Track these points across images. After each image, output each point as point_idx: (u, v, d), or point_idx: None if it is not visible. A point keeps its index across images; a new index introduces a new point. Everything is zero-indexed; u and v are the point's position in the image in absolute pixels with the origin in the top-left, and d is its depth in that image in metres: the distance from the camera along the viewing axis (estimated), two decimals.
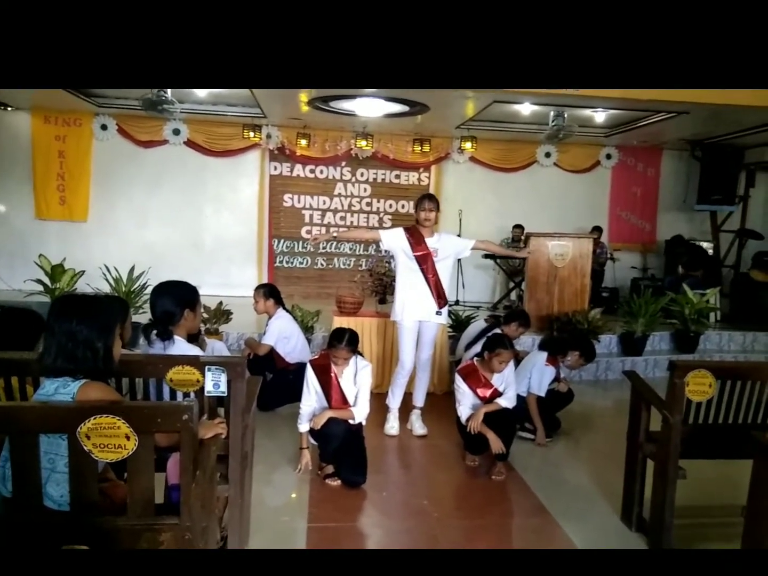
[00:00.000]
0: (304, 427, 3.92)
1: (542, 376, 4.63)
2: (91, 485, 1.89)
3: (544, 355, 4.74)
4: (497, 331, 5.08)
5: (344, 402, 3.89)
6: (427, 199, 4.57)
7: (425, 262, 4.53)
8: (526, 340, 6.43)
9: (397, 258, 4.63)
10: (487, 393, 4.12)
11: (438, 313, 4.60)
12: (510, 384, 4.16)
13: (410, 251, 4.54)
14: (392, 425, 4.76)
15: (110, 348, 2.06)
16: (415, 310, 4.59)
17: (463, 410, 4.12)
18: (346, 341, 3.82)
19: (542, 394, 4.61)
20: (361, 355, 4.04)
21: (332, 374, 3.89)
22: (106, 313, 2.11)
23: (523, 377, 4.61)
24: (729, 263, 9.96)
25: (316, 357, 4.07)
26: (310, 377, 3.93)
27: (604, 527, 3.40)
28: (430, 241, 4.54)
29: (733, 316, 8.56)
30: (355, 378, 3.93)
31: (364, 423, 3.97)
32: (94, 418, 1.78)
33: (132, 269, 6.30)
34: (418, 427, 4.77)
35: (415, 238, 4.55)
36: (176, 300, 2.93)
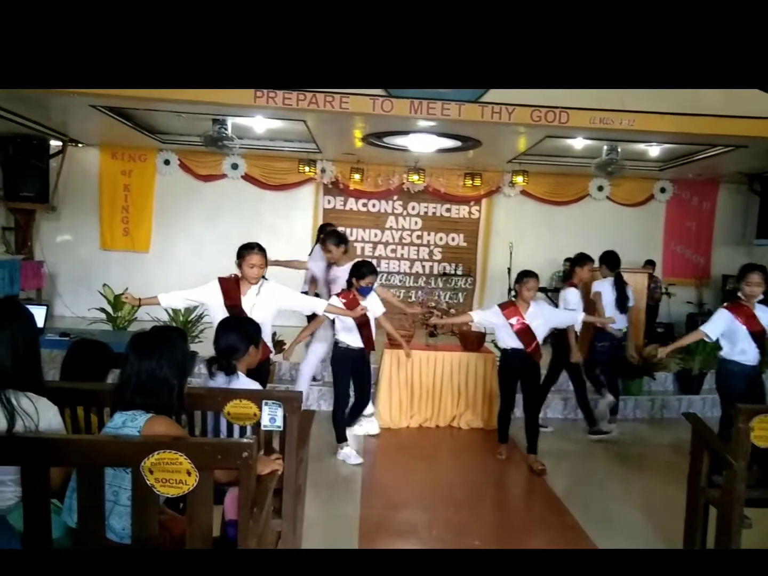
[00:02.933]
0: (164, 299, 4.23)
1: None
2: (153, 519, 1.94)
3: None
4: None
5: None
6: None
7: None
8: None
9: None
10: (520, 326, 4.74)
11: None
12: (552, 314, 5.07)
13: None
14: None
15: (183, 385, 2.16)
16: None
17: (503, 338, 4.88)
18: (258, 247, 3.96)
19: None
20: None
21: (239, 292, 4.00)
22: (183, 351, 2.22)
23: None
24: None
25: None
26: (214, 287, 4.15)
27: None
28: None
29: None
30: (258, 296, 3.98)
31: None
32: (158, 453, 1.84)
33: None
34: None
35: None
36: (243, 336, 3.02)
